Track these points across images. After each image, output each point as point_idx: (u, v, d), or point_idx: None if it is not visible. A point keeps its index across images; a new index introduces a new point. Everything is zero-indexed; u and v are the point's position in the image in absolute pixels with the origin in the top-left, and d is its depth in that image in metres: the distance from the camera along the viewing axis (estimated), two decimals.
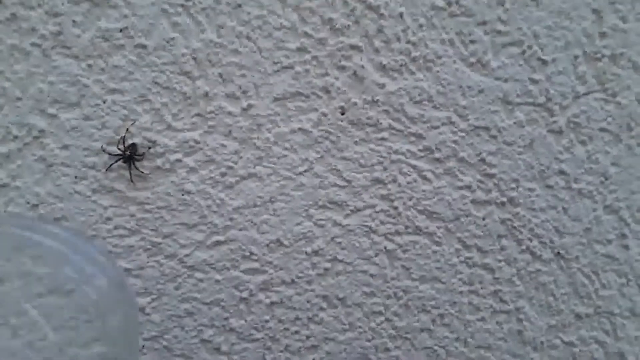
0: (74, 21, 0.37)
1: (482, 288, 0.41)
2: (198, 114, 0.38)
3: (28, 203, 0.38)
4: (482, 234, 0.40)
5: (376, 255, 0.41)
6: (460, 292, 0.41)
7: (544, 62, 0.37)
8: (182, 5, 0.36)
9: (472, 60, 0.37)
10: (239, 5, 0.37)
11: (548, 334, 0.41)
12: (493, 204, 0.39)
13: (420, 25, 0.37)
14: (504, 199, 0.39)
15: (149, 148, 0.39)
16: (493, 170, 0.39)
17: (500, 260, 0.40)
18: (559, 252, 0.40)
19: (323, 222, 0.40)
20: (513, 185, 0.39)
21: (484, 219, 0.40)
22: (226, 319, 0.42)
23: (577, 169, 0.39)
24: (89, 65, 0.37)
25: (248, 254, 0.41)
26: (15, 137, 0.38)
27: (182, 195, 0.39)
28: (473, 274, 0.40)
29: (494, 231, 0.40)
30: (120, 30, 0.37)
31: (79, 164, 0.38)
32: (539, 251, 0.40)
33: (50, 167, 0.38)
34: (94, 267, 0.26)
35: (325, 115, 0.38)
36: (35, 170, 0.38)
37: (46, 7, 0.37)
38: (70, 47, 0.37)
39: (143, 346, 0.42)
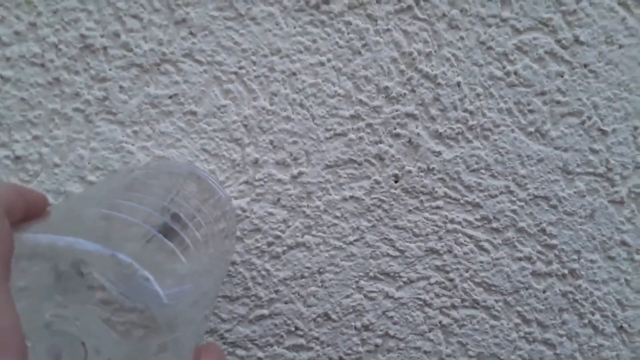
0: (121, 87, 0.35)
1: None
2: (246, 182, 0.37)
3: None
4: (542, 307, 0.38)
5: (430, 330, 0.39)
6: None
7: (604, 133, 0.36)
8: (235, 73, 0.35)
9: (531, 129, 0.36)
10: (294, 74, 0.36)
11: None
12: (554, 276, 0.38)
13: (478, 95, 0.36)
14: (565, 271, 0.37)
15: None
16: (553, 241, 0.37)
17: (561, 335, 0.38)
18: (621, 326, 0.38)
19: (374, 295, 0.38)
20: (574, 256, 0.37)
21: (544, 291, 0.38)
22: None
23: None
24: (135, 132, 0.36)
25: (293, 329, 0.38)
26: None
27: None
28: (533, 350, 0.38)
29: (555, 304, 0.38)
30: (170, 97, 0.36)
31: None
32: (601, 325, 0.38)
33: None
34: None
35: (378, 183, 0.37)
36: None
37: (92, 72, 0.35)
38: (115, 113, 0.36)
39: None
